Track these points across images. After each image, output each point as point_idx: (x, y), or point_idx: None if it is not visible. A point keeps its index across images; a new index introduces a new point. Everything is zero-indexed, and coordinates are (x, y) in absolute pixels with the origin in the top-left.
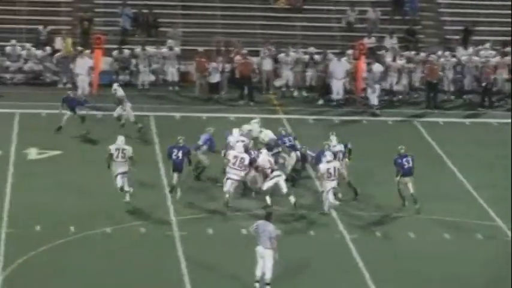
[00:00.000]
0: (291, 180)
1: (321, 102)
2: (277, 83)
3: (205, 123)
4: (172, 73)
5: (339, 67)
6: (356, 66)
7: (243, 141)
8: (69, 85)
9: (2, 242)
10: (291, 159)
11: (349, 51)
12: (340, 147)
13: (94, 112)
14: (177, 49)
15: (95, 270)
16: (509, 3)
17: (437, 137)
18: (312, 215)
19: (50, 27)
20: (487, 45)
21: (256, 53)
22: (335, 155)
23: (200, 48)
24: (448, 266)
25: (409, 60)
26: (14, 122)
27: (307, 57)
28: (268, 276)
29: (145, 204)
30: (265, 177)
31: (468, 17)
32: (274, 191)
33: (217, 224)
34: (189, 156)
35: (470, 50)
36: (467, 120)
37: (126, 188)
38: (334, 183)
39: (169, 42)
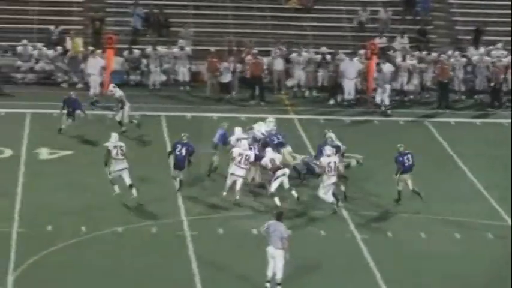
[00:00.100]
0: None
1: (332, 102)
2: (289, 82)
3: (216, 123)
4: (183, 73)
5: (351, 67)
6: (367, 66)
7: (245, 138)
8: (80, 85)
9: (13, 242)
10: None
11: (361, 51)
12: (338, 143)
13: (105, 112)
14: (189, 49)
15: (105, 270)
16: None
17: (449, 137)
18: (323, 215)
19: (61, 27)
20: (499, 45)
21: (267, 53)
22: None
23: (212, 48)
24: (459, 265)
25: (420, 60)
26: (25, 122)
27: (319, 57)
28: (279, 276)
29: (156, 204)
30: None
31: (479, 17)
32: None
33: (227, 224)
34: (190, 158)
35: (482, 50)
36: (478, 121)
37: (133, 191)
38: (334, 179)
39: (181, 42)
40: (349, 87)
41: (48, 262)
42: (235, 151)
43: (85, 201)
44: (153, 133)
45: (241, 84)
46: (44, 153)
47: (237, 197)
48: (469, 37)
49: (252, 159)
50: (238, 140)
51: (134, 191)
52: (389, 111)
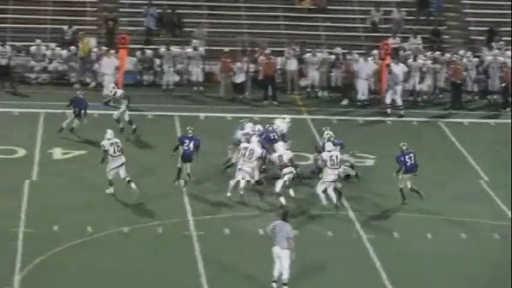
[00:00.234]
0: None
1: (345, 102)
2: (303, 82)
3: (230, 124)
4: (196, 73)
5: (365, 67)
6: (381, 67)
7: (254, 134)
8: (93, 83)
9: (20, 242)
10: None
11: (374, 52)
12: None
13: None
14: (202, 49)
15: (112, 270)
16: None
17: (462, 138)
18: (329, 215)
19: (74, 27)
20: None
21: (280, 53)
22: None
23: (225, 49)
24: (465, 265)
25: (434, 60)
26: (38, 122)
27: (333, 57)
28: (286, 276)
29: (162, 204)
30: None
31: (493, 18)
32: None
33: (234, 224)
34: (198, 150)
35: (496, 50)
36: (492, 121)
37: (132, 185)
38: (334, 176)
39: (194, 42)
40: (363, 87)
41: (54, 262)
42: (242, 145)
43: (91, 201)
44: (166, 133)
45: (254, 85)
46: (57, 153)
47: (241, 192)
48: (482, 37)
49: (257, 154)
50: (245, 135)
51: (133, 184)
52: (402, 112)
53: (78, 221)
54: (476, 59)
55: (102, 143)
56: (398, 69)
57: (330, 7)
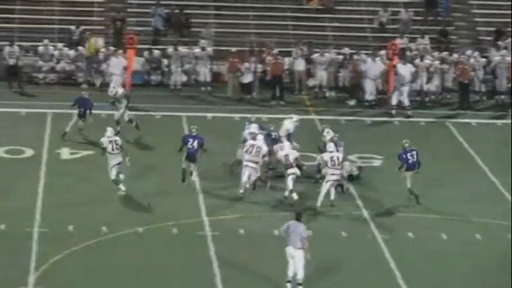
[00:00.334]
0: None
1: (353, 103)
2: (310, 83)
3: (238, 124)
4: (204, 73)
5: (373, 67)
6: (389, 67)
7: (260, 133)
8: (98, 83)
9: (35, 242)
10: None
11: (382, 52)
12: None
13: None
14: (210, 49)
15: (126, 270)
16: None
17: (469, 138)
18: (344, 215)
19: (82, 27)
20: None
21: (288, 54)
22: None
23: (233, 49)
24: (479, 266)
25: (442, 61)
26: (46, 122)
27: (341, 57)
28: (300, 276)
29: (177, 204)
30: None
31: (500, 18)
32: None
33: (248, 224)
34: (203, 148)
35: (503, 51)
36: (499, 121)
37: (121, 187)
38: (336, 176)
39: (202, 42)
40: (371, 87)
41: (69, 262)
42: (248, 143)
43: (105, 201)
44: (174, 134)
45: (261, 85)
46: (65, 153)
47: (247, 186)
48: (489, 38)
49: (264, 152)
50: (251, 133)
51: (122, 185)
52: (409, 112)
53: (93, 221)
54: (484, 59)
55: (101, 140)
56: (406, 69)
57: (337, 7)
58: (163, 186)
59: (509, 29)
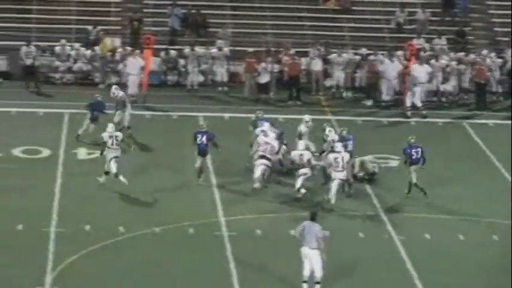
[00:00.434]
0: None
1: (370, 103)
2: (328, 83)
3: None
4: (221, 73)
5: (391, 68)
6: (406, 68)
7: (272, 131)
8: (112, 82)
9: (52, 242)
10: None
11: (399, 52)
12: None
13: (143, 112)
14: (227, 49)
15: (143, 270)
16: None
17: (486, 138)
18: (361, 215)
19: (99, 28)
20: None
21: (305, 54)
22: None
23: (249, 49)
24: (496, 267)
25: (459, 61)
26: (63, 122)
27: (358, 57)
28: (319, 275)
29: (193, 204)
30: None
31: None
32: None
33: (265, 224)
34: (214, 141)
35: None
36: None
37: (121, 178)
38: (341, 175)
39: (219, 42)
40: (388, 88)
41: (86, 262)
42: (263, 140)
43: (122, 201)
44: (191, 134)
45: (278, 85)
46: (82, 153)
47: (257, 184)
48: (506, 39)
49: (276, 149)
50: (263, 131)
51: (122, 177)
52: (423, 112)
53: (110, 221)
54: (500, 60)
55: (102, 134)
56: (422, 70)
57: (354, 8)
58: (180, 186)
59: None
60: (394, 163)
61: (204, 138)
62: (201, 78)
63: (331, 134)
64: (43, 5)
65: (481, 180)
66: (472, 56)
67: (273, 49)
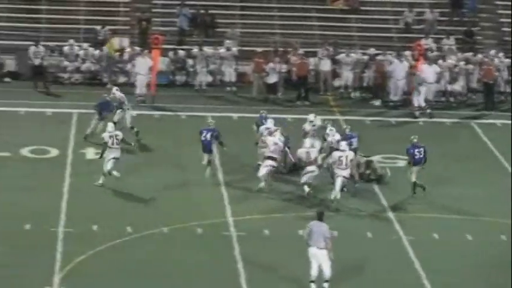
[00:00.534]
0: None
1: (378, 103)
2: (336, 83)
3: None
4: (229, 73)
5: (400, 68)
6: (415, 67)
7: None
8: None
9: (60, 242)
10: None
11: (407, 52)
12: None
13: (152, 112)
14: (235, 49)
15: (151, 270)
16: None
17: (494, 138)
18: (369, 216)
19: (107, 27)
20: None
21: (313, 54)
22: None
23: (258, 49)
24: (505, 267)
25: (467, 61)
26: (71, 122)
27: (366, 57)
28: (328, 273)
29: (202, 204)
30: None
31: None
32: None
33: (274, 224)
34: (220, 138)
35: None
36: None
37: (114, 173)
38: (345, 173)
39: (227, 42)
40: (396, 88)
41: (94, 262)
42: (270, 139)
43: (130, 201)
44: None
45: (286, 85)
46: (90, 153)
47: (262, 184)
48: None
49: (281, 148)
50: (267, 129)
51: (115, 172)
52: (428, 111)
53: (117, 221)
54: (508, 60)
55: (103, 135)
56: (431, 70)
57: (362, 8)
58: (189, 186)
59: None
60: (402, 163)
61: (208, 135)
62: (209, 78)
63: (331, 133)
64: (52, 5)
65: (489, 180)
66: (480, 56)
67: (281, 49)
